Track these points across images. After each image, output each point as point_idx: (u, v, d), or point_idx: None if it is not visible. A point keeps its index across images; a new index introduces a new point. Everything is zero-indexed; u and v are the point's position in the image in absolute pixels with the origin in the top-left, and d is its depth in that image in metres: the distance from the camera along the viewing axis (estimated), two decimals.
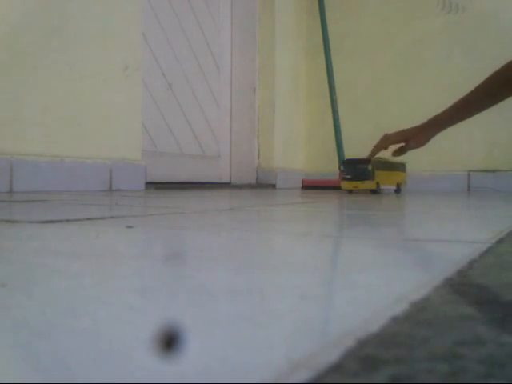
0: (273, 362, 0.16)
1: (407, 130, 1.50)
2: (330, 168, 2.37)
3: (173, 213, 0.78)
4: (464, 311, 0.23)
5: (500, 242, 0.46)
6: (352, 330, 0.19)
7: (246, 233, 0.53)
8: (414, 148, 1.50)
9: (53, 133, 1.45)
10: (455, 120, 1.40)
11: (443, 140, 2.32)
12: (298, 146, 2.62)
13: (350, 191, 1.74)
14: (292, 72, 2.57)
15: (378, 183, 1.70)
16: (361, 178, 1.68)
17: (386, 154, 1.62)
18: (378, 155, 1.60)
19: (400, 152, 1.55)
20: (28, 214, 0.71)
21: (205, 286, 0.27)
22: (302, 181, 2.33)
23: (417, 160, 2.35)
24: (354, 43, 2.50)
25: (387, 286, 0.28)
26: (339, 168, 1.72)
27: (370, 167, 1.67)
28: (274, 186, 2.43)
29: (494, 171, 2.26)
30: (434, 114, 1.44)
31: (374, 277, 0.31)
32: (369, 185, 1.68)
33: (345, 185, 1.72)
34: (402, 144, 1.54)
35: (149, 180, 1.79)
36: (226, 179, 2.33)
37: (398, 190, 1.86)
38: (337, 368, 0.16)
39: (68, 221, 0.61)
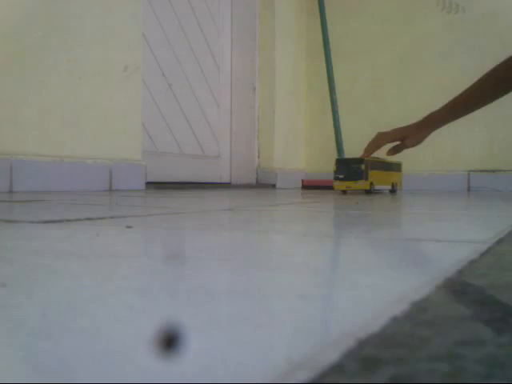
0: (273, 362, 0.16)
1: (402, 128, 1.47)
2: (330, 168, 2.36)
3: (173, 213, 0.78)
4: (464, 311, 0.23)
5: (500, 241, 0.46)
6: (352, 330, 0.19)
7: (246, 233, 0.53)
8: (410, 147, 1.47)
9: (53, 133, 1.45)
10: (452, 117, 1.38)
11: (443, 140, 2.33)
12: (298, 146, 2.62)
13: (344, 192, 1.70)
14: (292, 72, 2.57)
15: (371, 183, 1.66)
16: (354, 178, 1.64)
17: (380, 154, 1.61)
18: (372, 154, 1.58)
19: (395, 151, 1.51)
20: (28, 214, 0.71)
21: (205, 286, 0.27)
22: (302, 181, 2.33)
23: (417, 160, 2.35)
24: (354, 43, 2.50)
25: (387, 286, 0.28)
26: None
27: (363, 167, 1.63)
28: (274, 186, 2.43)
29: (493, 171, 2.26)
30: (430, 112, 1.43)
31: (374, 277, 0.31)
32: (362, 185, 1.64)
33: (337, 185, 1.68)
34: (397, 143, 1.52)
35: (149, 180, 1.79)
36: (226, 179, 2.33)
37: (393, 191, 1.83)
38: (337, 368, 0.16)
39: (68, 221, 0.61)
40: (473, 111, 1.33)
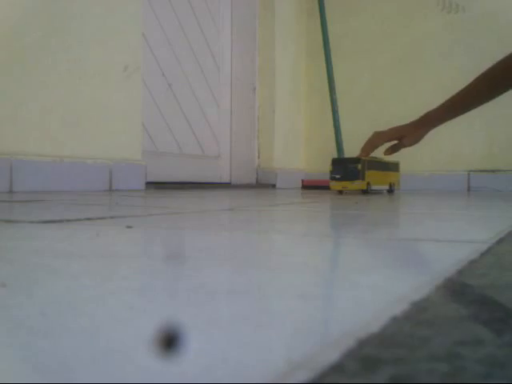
0: (273, 362, 0.16)
1: (399, 127, 1.45)
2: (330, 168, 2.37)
3: (173, 213, 0.78)
4: (464, 311, 0.23)
5: (500, 241, 0.46)
6: (352, 330, 0.19)
7: (246, 233, 0.53)
8: (407, 146, 1.45)
9: (53, 133, 1.45)
10: (449, 116, 1.37)
11: (443, 140, 2.33)
12: (298, 146, 2.62)
13: (340, 192, 1.68)
14: (292, 72, 2.57)
15: (368, 183, 1.64)
16: (350, 178, 1.62)
17: (378, 153, 1.60)
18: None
19: (393, 150, 1.49)
20: (28, 214, 0.71)
21: (205, 286, 0.27)
22: (302, 181, 2.33)
23: (417, 160, 2.35)
24: (354, 43, 2.50)
25: (387, 286, 0.28)
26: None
27: (359, 167, 1.61)
28: (274, 186, 2.43)
29: (493, 171, 2.26)
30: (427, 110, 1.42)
31: (374, 277, 0.31)
32: (359, 185, 1.62)
33: (333, 185, 1.65)
34: (395, 142, 1.51)
35: (149, 180, 1.79)
36: (226, 179, 2.33)
37: (390, 191, 1.80)
38: (337, 368, 0.16)
39: (68, 221, 0.61)
40: (470, 110, 1.32)
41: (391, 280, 0.30)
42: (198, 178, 2.15)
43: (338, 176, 1.64)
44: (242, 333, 0.19)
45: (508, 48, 1.23)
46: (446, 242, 0.46)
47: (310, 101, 2.62)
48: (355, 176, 1.61)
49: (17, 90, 1.36)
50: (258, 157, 2.47)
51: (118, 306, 0.23)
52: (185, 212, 0.80)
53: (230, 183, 2.34)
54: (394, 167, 1.85)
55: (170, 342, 0.17)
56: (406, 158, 2.35)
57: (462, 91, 1.30)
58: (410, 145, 1.45)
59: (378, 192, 1.75)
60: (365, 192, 1.64)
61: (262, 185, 2.43)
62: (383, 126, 1.57)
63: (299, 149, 2.64)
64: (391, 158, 1.71)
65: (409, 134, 1.42)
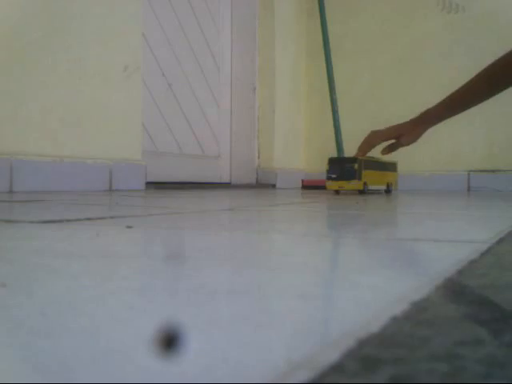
0: (273, 362, 0.16)
1: (397, 126, 1.43)
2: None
3: (173, 213, 0.78)
4: (464, 311, 0.23)
5: (500, 241, 0.46)
6: (352, 330, 0.19)
7: (246, 233, 0.53)
8: (405, 145, 1.42)
9: (53, 133, 1.45)
10: (448, 114, 1.35)
11: (443, 140, 2.33)
12: (298, 145, 2.62)
13: (336, 192, 1.66)
14: (292, 72, 2.57)
15: (365, 183, 1.62)
16: (347, 178, 1.60)
17: (375, 153, 1.57)
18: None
19: (390, 149, 1.47)
20: (28, 214, 0.71)
21: (205, 286, 0.27)
22: (302, 181, 2.33)
23: (417, 160, 2.35)
24: (354, 43, 2.50)
25: (387, 286, 0.28)
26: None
27: (356, 166, 1.59)
28: (274, 186, 2.43)
29: (493, 171, 2.26)
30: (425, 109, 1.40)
31: (374, 277, 0.31)
32: (355, 185, 1.60)
33: (330, 185, 1.63)
34: (392, 141, 1.46)
35: (149, 180, 1.79)
36: (226, 179, 2.33)
37: (388, 191, 1.78)
38: (337, 368, 0.16)
39: (68, 221, 0.61)
40: (469, 107, 1.30)
41: (391, 280, 0.30)
42: (198, 177, 2.15)
43: (334, 176, 1.62)
44: (242, 333, 0.19)
45: (508, 48, 1.23)
46: (446, 242, 0.46)
47: (310, 101, 2.62)
48: (352, 176, 1.60)
49: (17, 90, 1.36)
50: (258, 157, 2.47)
51: (117, 306, 0.23)
52: (185, 212, 0.80)
53: (230, 183, 2.34)
54: (391, 167, 1.83)
55: (170, 341, 0.17)
56: (406, 158, 2.34)
57: (461, 88, 1.28)
58: (409, 143, 1.42)
59: (375, 192, 1.74)
60: (362, 192, 1.63)
61: (262, 185, 2.43)
62: (383, 126, 1.57)
63: (299, 149, 2.64)
64: (389, 158, 1.70)
65: (407, 132, 1.40)
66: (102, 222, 0.61)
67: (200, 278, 0.29)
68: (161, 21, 1.96)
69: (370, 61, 2.47)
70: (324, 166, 1.67)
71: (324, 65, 2.36)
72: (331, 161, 1.65)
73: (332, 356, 0.17)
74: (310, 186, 2.25)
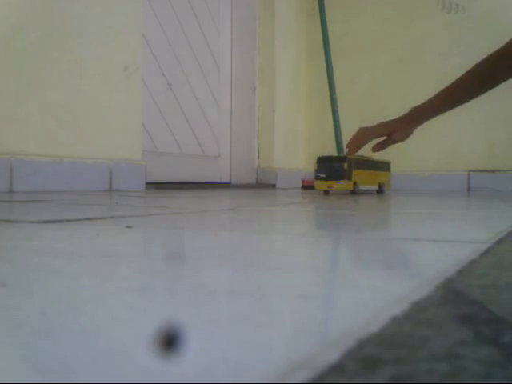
0: (273, 362, 0.16)
1: (387, 122, 1.38)
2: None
3: (173, 213, 0.78)
4: (464, 311, 0.23)
5: (500, 241, 0.46)
6: (352, 330, 0.19)
7: (246, 233, 0.53)
8: (398, 142, 1.37)
9: (53, 133, 1.45)
10: (440, 110, 1.30)
11: (443, 140, 2.33)
12: (298, 146, 2.62)
13: (326, 192, 1.60)
14: (292, 72, 2.57)
15: (355, 183, 1.57)
16: (336, 178, 1.54)
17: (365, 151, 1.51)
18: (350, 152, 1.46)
19: (381, 147, 1.41)
20: (28, 214, 0.71)
21: (205, 286, 0.27)
22: (302, 181, 2.33)
23: (417, 159, 2.35)
24: (354, 43, 2.50)
25: (387, 286, 0.28)
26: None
27: (345, 166, 1.53)
28: (274, 186, 2.43)
29: (493, 171, 2.26)
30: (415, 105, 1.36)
31: (373, 277, 0.31)
32: (345, 185, 1.54)
33: (318, 185, 1.58)
34: (382, 138, 1.40)
35: (149, 180, 1.79)
36: (226, 179, 2.33)
37: (380, 191, 1.72)
38: (337, 368, 0.16)
39: (68, 221, 0.61)
40: (461, 104, 1.26)
41: (391, 280, 0.30)
42: (198, 177, 2.15)
43: (322, 175, 1.56)
44: (242, 333, 0.19)
45: None
46: (446, 242, 0.46)
47: (310, 101, 2.62)
48: (341, 175, 1.54)
49: (17, 90, 1.36)
50: (258, 157, 2.47)
51: (117, 305, 0.23)
52: (185, 212, 0.80)
53: (230, 183, 2.34)
54: (384, 166, 1.77)
55: (170, 341, 0.17)
56: (407, 157, 2.35)
57: (452, 84, 1.26)
58: (400, 140, 1.37)
59: (367, 192, 1.68)
60: (352, 192, 1.57)
61: (262, 185, 2.43)
62: None
63: (299, 149, 2.64)
64: (381, 157, 1.65)
65: (398, 129, 1.35)
66: (101, 222, 0.61)
67: (200, 278, 0.29)
68: (161, 21, 1.96)
69: (370, 61, 2.47)
70: None
71: (324, 65, 2.36)
72: (320, 160, 1.60)
73: (332, 356, 0.17)
74: (310, 186, 2.24)
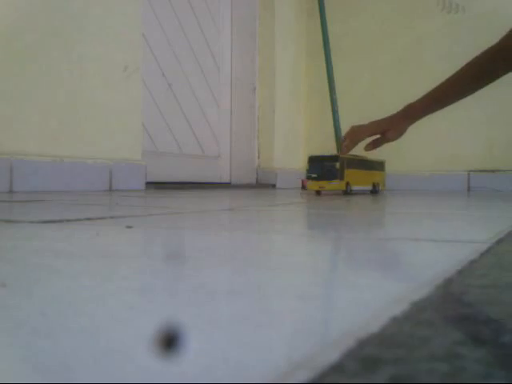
0: (273, 362, 0.16)
1: (381, 120, 1.36)
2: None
3: (173, 213, 0.78)
4: (464, 311, 0.23)
5: (500, 241, 0.46)
6: (352, 330, 0.19)
7: (246, 233, 0.53)
8: (392, 140, 1.35)
9: (53, 133, 1.45)
10: (435, 107, 1.27)
11: (443, 140, 2.33)
12: (298, 145, 2.62)
13: (317, 192, 1.57)
14: (292, 72, 2.57)
15: (348, 183, 1.53)
16: (328, 178, 1.50)
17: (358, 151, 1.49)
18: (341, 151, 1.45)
19: (374, 145, 1.39)
20: (28, 214, 0.71)
21: (205, 286, 0.27)
22: (302, 181, 2.33)
23: (417, 159, 2.35)
24: (354, 43, 2.50)
25: (387, 286, 0.28)
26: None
27: (338, 165, 1.49)
28: (274, 186, 2.43)
29: (493, 171, 2.26)
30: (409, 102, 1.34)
31: (374, 277, 0.31)
32: (337, 185, 1.50)
33: (310, 185, 1.54)
34: (376, 137, 1.39)
35: (149, 180, 1.79)
36: (226, 179, 2.33)
37: (374, 191, 1.68)
38: (337, 368, 0.16)
39: (68, 221, 0.61)
40: (455, 101, 1.23)
41: (390, 280, 0.30)
42: (198, 177, 2.15)
43: (314, 175, 1.53)
44: (242, 333, 0.19)
45: None
46: (446, 242, 0.46)
47: (310, 101, 2.62)
48: (333, 175, 1.50)
49: (17, 90, 1.36)
50: (258, 157, 2.47)
51: (118, 305, 0.23)
52: (185, 212, 0.80)
53: (230, 183, 2.34)
54: (378, 166, 1.73)
55: (170, 341, 0.17)
56: (407, 157, 2.35)
57: (447, 81, 1.24)
58: (394, 139, 1.34)
59: (360, 192, 1.65)
60: (346, 193, 1.54)
61: (262, 185, 2.43)
62: None
63: (299, 149, 2.64)
64: (375, 156, 1.62)
65: (392, 127, 1.32)
66: (101, 221, 0.61)
67: (200, 278, 0.29)
68: (161, 21, 1.96)
69: (370, 61, 2.47)
70: None
71: (324, 65, 2.36)
72: (311, 159, 1.56)
73: (332, 356, 0.17)
74: None
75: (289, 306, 0.24)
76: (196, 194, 1.48)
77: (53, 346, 0.17)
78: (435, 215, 0.83)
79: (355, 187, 1.58)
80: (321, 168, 1.52)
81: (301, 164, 2.65)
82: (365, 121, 1.45)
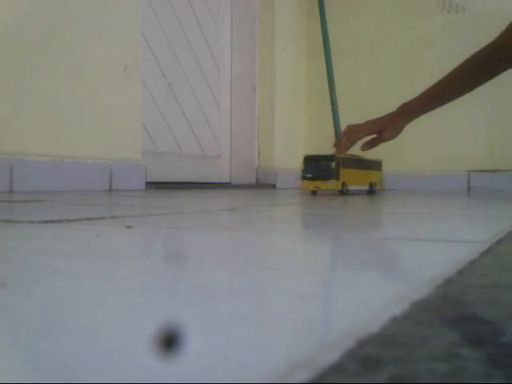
0: (273, 362, 0.16)
1: (377, 120, 1.34)
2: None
3: (173, 213, 0.78)
4: (464, 311, 0.23)
5: (500, 241, 0.46)
6: (352, 330, 0.19)
7: (246, 233, 0.53)
8: (389, 139, 1.33)
9: (53, 133, 1.45)
10: (433, 105, 1.25)
11: (443, 140, 2.33)
12: (297, 146, 2.62)
13: (313, 192, 1.54)
14: (292, 72, 2.57)
15: (344, 183, 1.51)
16: (323, 178, 1.48)
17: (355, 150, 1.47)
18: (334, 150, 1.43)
19: (371, 145, 1.37)
20: (28, 214, 0.71)
21: (205, 286, 0.27)
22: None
23: (417, 159, 2.35)
24: (354, 43, 2.50)
25: (387, 286, 0.28)
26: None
27: (333, 165, 1.47)
28: (274, 186, 2.43)
29: (493, 171, 2.26)
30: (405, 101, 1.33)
31: (374, 276, 0.31)
32: (333, 185, 1.48)
33: (305, 185, 1.52)
34: (372, 136, 1.36)
35: (149, 180, 1.79)
36: (226, 179, 2.33)
37: (371, 191, 1.65)
38: (337, 368, 0.16)
39: (68, 221, 0.61)
40: (453, 99, 1.22)
41: (390, 280, 0.30)
42: (198, 177, 2.15)
43: (309, 175, 1.50)
44: (242, 333, 0.19)
45: None
46: (446, 242, 0.46)
47: (310, 101, 2.62)
48: (329, 175, 1.48)
49: (17, 90, 1.36)
50: (258, 157, 2.47)
51: (118, 305, 0.23)
52: (185, 212, 0.80)
53: (230, 183, 2.34)
54: (375, 166, 1.71)
55: (170, 342, 0.17)
56: (406, 157, 2.35)
57: (444, 79, 1.23)
58: (391, 138, 1.32)
59: (358, 192, 1.63)
60: (342, 193, 1.52)
61: (262, 185, 2.43)
62: None
63: (299, 149, 2.63)
64: (372, 156, 1.60)
65: (389, 126, 1.30)
66: (102, 222, 0.61)
67: (200, 278, 0.29)
68: (161, 21, 1.96)
69: (370, 61, 2.47)
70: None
71: (324, 65, 2.36)
72: (306, 159, 1.54)
73: (332, 356, 0.17)
74: None
75: (289, 306, 0.24)
76: (196, 193, 1.48)
77: (53, 346, 0.17)
78: (435, 215, 0.83)
79: (351, 187, 1.56)
80: (316, 168, 1.50)
81: (301, 164, 2.65)
82: (364, 121, 1.44)
